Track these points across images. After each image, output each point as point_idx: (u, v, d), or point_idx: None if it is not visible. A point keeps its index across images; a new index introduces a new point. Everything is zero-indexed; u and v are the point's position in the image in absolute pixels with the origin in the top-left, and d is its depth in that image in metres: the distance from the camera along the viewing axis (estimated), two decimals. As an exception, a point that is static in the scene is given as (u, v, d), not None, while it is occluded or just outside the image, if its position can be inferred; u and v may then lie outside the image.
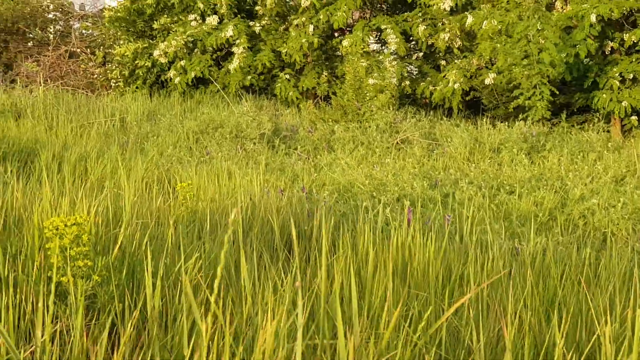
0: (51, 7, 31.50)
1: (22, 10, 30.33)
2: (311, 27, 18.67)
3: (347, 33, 19.79)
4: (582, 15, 15.20)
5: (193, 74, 19.81)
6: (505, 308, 3.95)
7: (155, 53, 20.13)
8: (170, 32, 20.81)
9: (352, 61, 17.15)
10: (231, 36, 19.27)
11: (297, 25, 19.18)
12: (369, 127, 13.89)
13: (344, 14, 18.33)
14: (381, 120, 14.15)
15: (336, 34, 20.27)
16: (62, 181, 7.98)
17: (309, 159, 11.89)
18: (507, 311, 3.67)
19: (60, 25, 29.39)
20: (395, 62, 17.49)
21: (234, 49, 19.38)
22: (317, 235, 5.50)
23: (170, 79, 20.38)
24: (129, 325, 3.03)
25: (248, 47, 19.48)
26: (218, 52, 20.45)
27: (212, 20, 19.97)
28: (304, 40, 18.53)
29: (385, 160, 11.37)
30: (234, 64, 19.29)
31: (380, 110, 15.11)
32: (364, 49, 18.60)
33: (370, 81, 16.15)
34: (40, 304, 2.87)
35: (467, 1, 17.85)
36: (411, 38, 18.61)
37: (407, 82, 17.81)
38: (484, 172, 10.45)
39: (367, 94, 15.92)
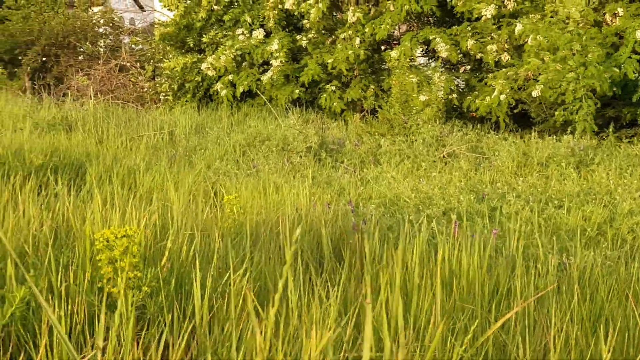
0: (101, 21, 31.97)
1: (73, 25, 30.83)
2: (357, 40, 18.72)
3: (395, 46, 19.81)
4: (628, 31, 15.07)
5: (241, 89, 19.95)
6: (552, 322, 3.94)
7: (203, 66, 20.32)
8: (219, 46, 21.00)
9: (399, 74, 17.16)
10: (276, 49, 19.40)
11: (343, 38, 19.24)
12: (415, 140, 13.88)
13: (388, 26, 18.34)
14: (427, 133, 14.13)
15: (382, 47, 20.29)
16: (111, 193, 8.09)
17: (355, 172, 11.91)
18: (554, 325, 3.66)
19: (111, 40, 29.80)
20: (444, 77, 17.44)
21: (272, 61, 19.50)
22: (363, 248, 5.52)
23: (218, 92, 20.54)
24: (179, 335, 3.08)
25: (291, 59, 19.58)
26: (265, 66, 20.59)
27: (259, 34, 20.12)
28: (350, 52, 18.58)
29: (431, 173, 11.35)
30: (267, 75, 19.42)
31: (427, 123, 15.09)
32: (411, 63, 18.59)
33: (421, 97, 16.13)
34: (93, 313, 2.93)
35: (515, 9, 17.77)
36: (459, 52, 18.56)
37: (455, 95, 17.76)
38: (532, 186, 10.38)
39: (414, 108, 15.91)
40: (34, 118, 17.50)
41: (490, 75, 18.14)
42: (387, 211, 8.23)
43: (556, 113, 15.16)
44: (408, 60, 18.19)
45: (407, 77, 16.95)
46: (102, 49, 28.29)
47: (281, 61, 19.31)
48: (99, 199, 5.21)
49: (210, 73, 20.32)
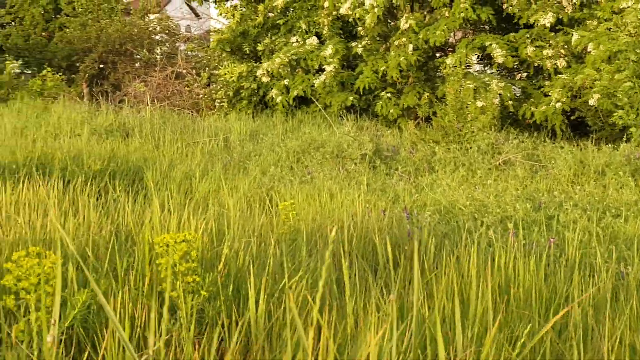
0: (158, 28, 32.37)
1: (130, 32, 31.25)
2: (411, 47, 18.68)
3: (449, 52, 19.73)
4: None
5: (295, 92, 20.02)
6: (609, 330, 3.90)
7: (259, 72, 20.43)
8: (274, 52, 21.12)
9: (454, 81, 17.08)
10: (329, 54, 19.44)
11: (397, 45, 19.21)
12: (470, 148, 13.81)
13: (442, 32, 18.29)
14: (482, 141, 14.04)
15: (437, 55, 20.22)
16: (168, 198, 8.18)
17: (410, 179, 11.89)
18: (611, 333, 3.63)
19: (167, 47, 30.15)
20: (502, 84, 17.32)
21: (325, 67, 19.54)
22: (419, 256, 5.52)
23: (273, 98, 20.64)
24: (237, 340, 3.12)
25: (345, 66, 19.62)
26: (320, 72, 20.63)
27: (312, 40, 20.18)
28: (402, 59, 18.55)
29: (486, 181, 11.28)
30: (320, 79, 19.44)
31: (482, 131, 15.00)
32: (466, 69, 18.51)
33: (478, 103, 16.03)
34: (152, 316, 2.97)
35: (573, 18, 17.62)
36: (515, 58, 18.42)
37: (511, 102, 17.63)
38: (589, 195, 10.27)
39: (469, 115, 15.83)
40: (91, 124, 17.77)
41: (547, 83, 17.99)
42: (443, 219, 8.20)
43: (614, 116, 14.97)
44: (463, 67, 18.11)
45: (463, 84, 16.87)
46: (158, 56, 28.62)
47: (334, 66, 19.33)
48: (157, 204, 5.28)
49: (265, 79, 20.43)
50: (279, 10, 22.02)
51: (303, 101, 21.19)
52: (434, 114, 17.74)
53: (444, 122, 15.63)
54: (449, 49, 20.54)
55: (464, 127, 15.21)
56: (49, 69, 26.55)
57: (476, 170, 12.22)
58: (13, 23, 47.23)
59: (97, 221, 5.35)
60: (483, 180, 11.49)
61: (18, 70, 28.53)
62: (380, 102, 19.33)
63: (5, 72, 26.47)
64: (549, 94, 17.38)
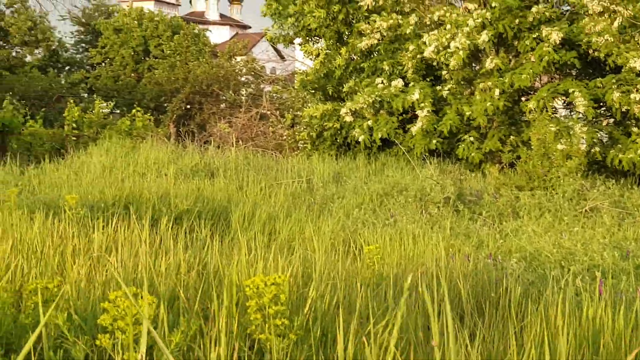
0: (244, 70, 32.93)
1: (217, 74, 31.86)
2: (497, 92, 18.58)
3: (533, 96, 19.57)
4: None
5: (379, 134, 20.04)
6: None
7: (342, 111, 20.51)
8: (358, 94, 21.22)
9: (539, 126, 16.93)
10: (417, 99, 19.44)
11: (482, 89, 19.13)
12: (556, 194, 13.64)
13: (528, 76, 18.17)
14: (568, 187, 13.86)
15: (523, 99, 20.07)
16: (253, 239, 8.27)
17: (494, 224, 11.80)
18: None
19: (252, 88, 30.63)
20: (586, 128, 17.10)
21: (418, 112, 19.52)
22: (505, 303, 5.47)
23: (356, 139, 20.68)
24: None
25: (433, 110, 19.61)
26: (403, 115, 20.63)
27: (398, 83, 20.21)
28: (488, 104, 18.46)
29: (573, 228, 11.12)
30: (417, 126, 19.42)
31: (567, 176, 14.81)
32: (551, 114, 18.34)
33: (559, 146, 15.84)
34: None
35: None
36: (601, 104, 18.19)
37: (597, 149, 17.36)
38: (679, 244, 10.04)
39: (554, 160, 15.65)
40: (177, 164, 18.10)
41: (634, 129, 17.69)
42: (529, 266, 8.12)
43: None
44: (549, 111, 17.94)
45: (546, 127, 16.70)
46: (243, 97, 29.06)
47: (428, 111, 19.31)
48: (244, 246, 5.35)
49: (349, 119, 20.49)
50: (362, 53, 22.16)
51: (386, 143, 21.21)
52: (518, 158, 17.58)
53: (528, 167, 15.48)
54: (534, 93, 20.37)
55: (549, 173, 15.04)
56: (138, 109, 27.16)
57: (562, 217, 12.06)
58: (103, 64, 48.57)
59: (186, 261, 5.45)
60: (569, 227, 11.33)
61: (107, 110, 29.25)
62: (463, 146, 19.24)
63: (94, 111, 27.16)
64: (637, 140, 17.08)
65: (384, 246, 8.39)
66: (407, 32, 20.07)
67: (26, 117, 24.92)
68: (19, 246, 6.03)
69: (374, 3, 20.21)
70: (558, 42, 17.91)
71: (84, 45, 52.53)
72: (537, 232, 10.63)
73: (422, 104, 19.31)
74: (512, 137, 19.05)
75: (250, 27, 78.49)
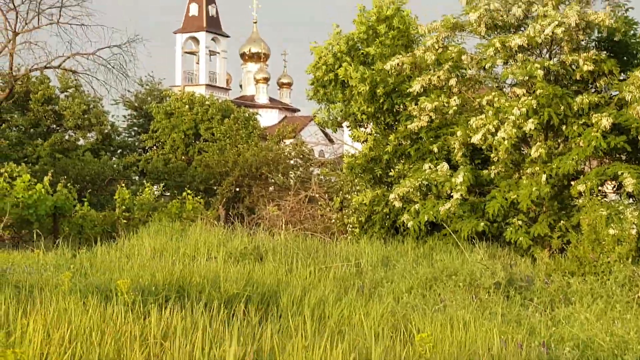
0: (293, 153, 33.30)
1: (266, 157, 32.26)
2: (544, 177, 18.54)
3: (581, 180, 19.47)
4: None
5: (426, 217, 20.04)
6: None
7: (391, 197, 20.58)
8: (406, 178, 21.29)
9: (589, 210, 16.82)
10: (459, 182, 19.47)
11: (531, 173, 19.12)
12: (607, 279, 13.48)
13: (574, 162, 18.17)
14: (620, 273, 13.70)
15: (572, 182, 19.99)
16: (302, 324, 8.30)
17: (545, 311, 11.68)
18: None
19: (301, 171, 30.91)
20: (637, 213, 16.94)
21: (453, 193, 19.54)
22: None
23: (404, 223, 20.68)
24: None
25: (478, 193, 19.60)
26: (450, 199, 20.62)
27: (443, 167, 20.26)
28: (534, 189, 18.41)
29: (626, 315, 10.97)
30: (445, 207, 19.41)
31: (618, 262, 14.65)
32: (600, 198, 18.23)
33: (611, 231, 15.70)
34: None
35: None
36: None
37: (649, 234, 17.17)
38: None
39: (605, 245, 15.50)
40: (227, 247, 18.23)
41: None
42: (582, 355, 8.02)
43: None
44: (595, 195, 17.85)
45: (596, 212, 16.58)
46: (292, 180, 29.31)
47: (461, 194, 19.32)
48: (299, 332, 5.39)
49: (397, 204, 20.53)
50: (410, 137, 22.28)
51: (434, 227, 21.18)
52: (568, 243, 17.43)
53: (579, 252, 15.36)
54: (582, 176, 20.30)
55: (600, 258, 14.90)
56: (189, 192, 27.50)
57: (615, 304, 11.89)
58: (155, 147, 49.41)
59: (241, 348, 5.49)
60: (622, 314, 11.17)
61: (158, 193, 29.67)
62: (511, 229, 19.16)
63: (144, 194, 27.54)
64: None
65: (435, 333, 8.35)
66: (451, 112, 20.19)
67: (78, 200, 25.34)
68: (75, 332, 6.12)
69: (422, 89, 20.43)
70: (608, 127, 17.92)
71: (136, 128, 53.57)
72: (589, 319, 10.50)
73: (459, 187, 19.33)
74: (561, 221, 18.92)
75: (299, 110, 79.53)
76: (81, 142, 47.02)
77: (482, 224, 19.51)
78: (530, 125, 18.30)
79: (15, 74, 29.52)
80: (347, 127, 25.51)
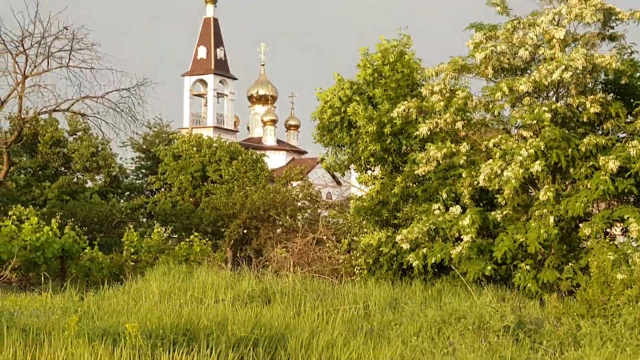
0: (300, 195, 33.32)
1: (274, 199, 32.28)
2: (551, 219, 18.52)
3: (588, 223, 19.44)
4: None
5: (433, 260, 20.02)
6: None
7: (398, 238, 20.55)
8: (414, 219, 21.26)
9: (597, 253, 16.79)
10: (467, 224, 19.45)
11: (538, 215, 19.09)
12: (617, 322, 13.41)
13: (582, 204, 18.18)
14: (629, 315, 13.63)
15: (580, 225, 19.95)
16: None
17: (555, 354, 11.62)
18: None
19: (309, 213, 30.90)
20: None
21: (463, 236, 19.51)
22: None
23: (411, 265, 20.62)
24: None
25: (486, 235, 19.58)
26: (458, 241, 20.59)
27: (455, 210, 20.23)
28: (542, 231, 18.38)
29: (636, 358, 10.90)
30: (456, 250, 19.40)
31: (628, 305, 14.58)
32: (608, 240, 18.19)
33: (619, 276, 15.65)
34: None
35: None
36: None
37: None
38: None
39: (614, 288, 15.44)
40: (235, 289, 18.22)
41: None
42: (592, 400, 7.96)
43: None
44: (603, 237, 17.82)
45: (604, 255, 16.55)
46: (300, 222, 29.30)
47: (471, 237, 19.29)
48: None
49: (405, 246, 20.48)
50: (417, 179, 22.29)
51: (442, 269, 21.14)
52: (577, 285, 17.35)
53: (587, 295, 15.30)
54: (589, 219, 20.26)
55: (609, 301, 14.83)
56: (196, 234, 27.49)
57: (624, 347, 11.83)
58: (162, 189, 49.49)
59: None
60: (632, 357, 11.11)
61: (165, 235, 29.67)
62: (519, 274, 19.11)
63: (152, 237, 27.53)
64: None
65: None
66: (461, 162, 20.22)
67: (86, 242, 25.35)
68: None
69: (428, 132, 20.49)
70: (615, 170, 17.94)
71: (144, 171, 53.68)
72: (599, 363, 10.44)
73: (468, 230, 19.32)
74: (569, 264, 18.86)
75: (306, 152, 79.64)
76: (89, 184, 47.11)
77: (489, 267, 19.48)
78: (537, 167, 18.32)
79: (24, 116, 29.66)
80: (355, 170, 25.55)
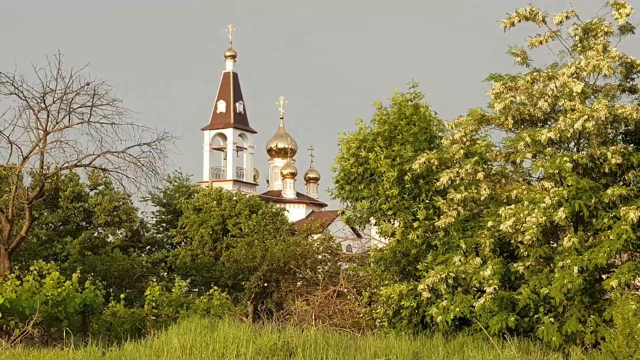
0: (320, 248, 33.29)
1: (294, 252, 32.27)
2: (575, 269, 18.41)
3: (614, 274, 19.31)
4: None
5: (452, 314, 19.89)
6: None
7: (420, 287, 20.43)
8: (434, 270, 21.15)
9: (620, 305, 16.65)
10: (488, 275, 19.36)
11: (562, 267, 18.97)
12: (644, 375, 13.26)
13: (605, 254, 18.10)
14: (656, 367, 13.47)
15: (603, 276, 19.80)
16: None
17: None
18: None
19: (329, 266, 30.84)
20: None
21: (485, 288, 19.40)
22: None
23: (432, 318, 20.48)
24: None
25: (508, 287, 19.45)
26: (480, 292, 20.46)
27: (476, 262, 20.16)
28: (566, 282, 18.27)
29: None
30: (479, 302, 19.27)
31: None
32: (633, 291, 18.05)
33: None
34: None
35: None
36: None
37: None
38: None
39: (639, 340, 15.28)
40: (256, 343, 18.14)
41: None
42: None
43: None
44: (631, 289, 17.68)
45: (628, 306, 16.41)
46: (320, 275, 29.25)
47: (494, 288, 19.18)
48: None
49: (426, 295, 20.36)
50: (437, 231, 22.23)
51: (463, 322, 20.97)
52: (602, 338, 17.17)
53: (613, 347, 15.14)
54: (615, 270, 20.12)
55: (635, 353, 14.68)
56: (216, 288, 27.46)
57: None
58: (183, 243, 49.60)
59: None
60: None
61: (185, 289, 29.68)
62: (542, 328, 18.93)
63: (174, 290, 27.52)
64: None
65: None
66: (483, 199, 20.17)
67: (106, 296, 25.38)
68: None
69: (450, 182, 20.51)
70: (636, 220, 17.88)
71: (164, 224, 53.87)
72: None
73: (491, 281, 19.22)
74: (593, 316, 18.69)
75: (326, 205, 79.72)
76: (110, 238, 47.30)
77: (512, 318, 19.30)
78: (561, 214, 18.31)
79: (46, 172, 29.85)
80: (375, 224, 25.50)
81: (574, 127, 18.78)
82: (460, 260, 20.52)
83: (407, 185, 22.87)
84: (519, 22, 20.99)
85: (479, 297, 20.02)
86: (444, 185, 20.66)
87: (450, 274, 20.04)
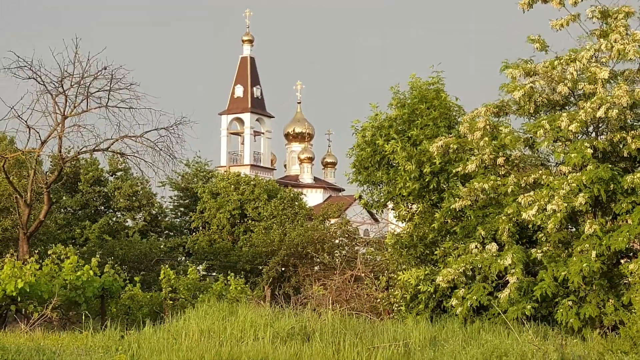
0: (338, 233, 33.30)
1: (312, 236, 32.29)
2: (594, 254, 18.34)
3: (634, 259, 19.22)
4: None
5: (469, 303, 19.84)
6: None
7: (438, 279, 20.42)
8: (451, 260, 21.06)
9: (639, 289, 16.57)
10: (510, 264, 19.28)
11: (580, 251, 18.89)
12: (663, 359, 13.20)
13: (625, 239, 18.02)
14: (675, 352, 13.42)
15: (622, 261, 19.73)
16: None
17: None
18: None
19: (346, 250, 30.85)
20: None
21: (509, 277, 19.32)
22: None
23: (452, 307, 20.41)
24: None
25: (526, 273, 19.38)
26: (498, 280, 20.40)
27: (492, 247, 20.10)
28: (584, 265, 18.20)
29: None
30: (504, 294, 19.20)
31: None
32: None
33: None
34: None
35: None
36: None
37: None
38: None
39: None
40: (274, 327, 18.16)
41: None
42: None
43: None
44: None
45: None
46: (338, 260, 29.26)
47: (517, 277, 19.10)
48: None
49: (443, 284, 20.35)
50: (455, 216, 22.16)
51: (481, 307, 20.91)
52: (621, 322, 17.11)
53: (631, 332, 15.07)
54: (634, 255, 20.03)
55: (654, 338, 14.62)
56: (232, 274, 27.43)
57: (670, 385, 11.63)
58: (201, 227, 49.68)
59: None
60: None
61: (203, 273, 29.77)
62: (561, 311, 18.85)
63: (190, 274, 27.50)
64: None
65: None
66: (509, 190, 20.05)
67: (125, 281, 25.48)
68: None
69: (475, 169, 20.44)
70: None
71: (182, 209, 53.93)
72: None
73: (513, 270, 19.13)
74: (611, 301, 18.61)
75: (343, 190, 79.58)
76: (129, 223, 47.43)
77: (529, 306, 19.20)
78: (581, 199, 18.25)
79: (65, 156, 29.98)
80: (392, 209, 25.42)
81: (597, 115, 18.72)
82: (477, 247, 20.46)
83: (426, 179, 22.72)
84: (535, 3, 20.95)
85: (497, 286, 19.97)
86: (469, 171, 20.59)
87: (468, 266, 20.00)
